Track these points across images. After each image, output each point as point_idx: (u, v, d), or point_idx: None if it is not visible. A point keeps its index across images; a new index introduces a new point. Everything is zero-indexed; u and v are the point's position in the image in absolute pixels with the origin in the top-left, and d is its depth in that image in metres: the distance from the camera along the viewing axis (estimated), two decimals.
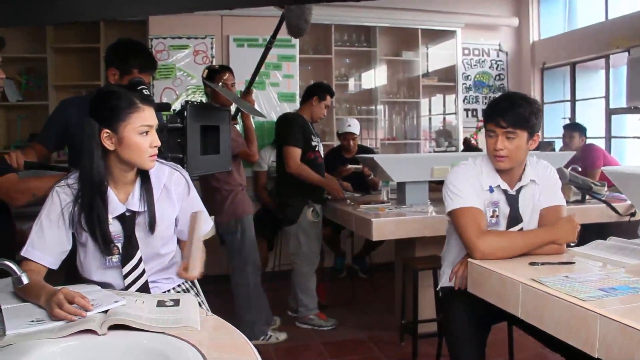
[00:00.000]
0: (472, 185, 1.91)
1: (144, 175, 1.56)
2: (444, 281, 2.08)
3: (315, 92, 3.53)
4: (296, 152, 3.36)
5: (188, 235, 1.56)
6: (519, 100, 1.86)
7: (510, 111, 1.83)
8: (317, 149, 3.50)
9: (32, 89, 4.54)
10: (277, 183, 3.66)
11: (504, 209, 1.93)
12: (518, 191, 1.94)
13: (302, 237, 3.45)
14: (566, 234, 1.80)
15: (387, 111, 5.49)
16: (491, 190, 1.92)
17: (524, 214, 1.93)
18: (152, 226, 1.54)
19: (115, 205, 1.52)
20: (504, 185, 1.93)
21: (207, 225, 1.71)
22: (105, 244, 1.50)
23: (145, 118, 1.47)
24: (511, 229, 1.91)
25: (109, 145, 1.46)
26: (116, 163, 1.50)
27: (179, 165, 1.68)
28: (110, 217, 1.51)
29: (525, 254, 1.78)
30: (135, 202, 1.53)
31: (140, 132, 1.46)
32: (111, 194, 1.51)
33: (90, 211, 1.47)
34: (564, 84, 5.33)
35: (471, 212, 1.85)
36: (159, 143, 1.51)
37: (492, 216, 1.92)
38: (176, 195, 1.60)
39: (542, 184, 1.95)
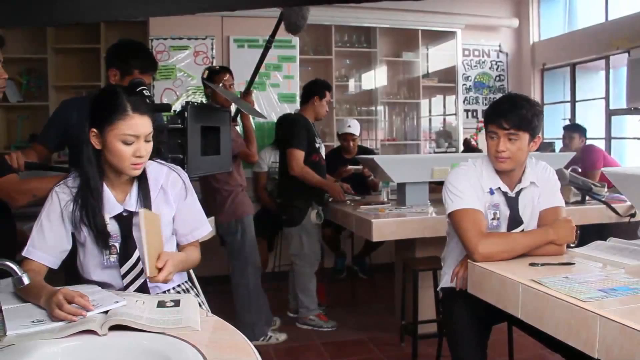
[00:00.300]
0: (472, 186, 1.91)
1: (141, 176, 1.55)
2: (444, 282, 2.08)
3: (314, 91, 3.52)
4: (300, 155, 3.36)
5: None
6: (521, 101, 1.86)
7: (513, 113, 1.83)
8: (319, 151, 3.50)
9: (32, 89, 4.55)
10: (280, 184, 3.66)
11: (504, 211, 1.93)
12: (518, 193, 1.94)
13: (305, 238, 3.46)
14: (565, 234, 1.80)
15: (387, 112, 5.49)
16: (491, 192, 1.92)
17: (523, 216, 1.93)
18: None
19: (113, 204, 1.52)
20: (504, 188, 1.93)
21: (204, 228, 1.70)
22: (101, 238, 1.50)
23: (131, 127, 1.43)
24: (512, 232, 1.92)
25: (95, 144, 1.46)
26: (107, 163, 1.50)
27: (178, 167, 1.68)
28: (107, 216, 1.51)
29: (525, 255, 1.78)
30: (132, 203, 1.53)
31: (124, 140, 1.43)
32: (108, 193, 1.52)
33: (84, 207, 1.48)
34: (564, 84, 5.34)
35: (471, 213, 1.85)
36: (143, 153, 1.46)
37: (493, 219, 1.91)
38: (173, 196, 1.60)
39: (542, 186, 1.95)
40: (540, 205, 1.94)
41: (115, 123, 1.42)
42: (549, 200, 1.93)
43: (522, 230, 1.91)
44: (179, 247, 1.68)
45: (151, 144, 1.50)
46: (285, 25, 2.71)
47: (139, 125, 1.45)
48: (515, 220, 1.92)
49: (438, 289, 2.15)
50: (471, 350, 1.84)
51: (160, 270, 1.41)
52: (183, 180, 1.63)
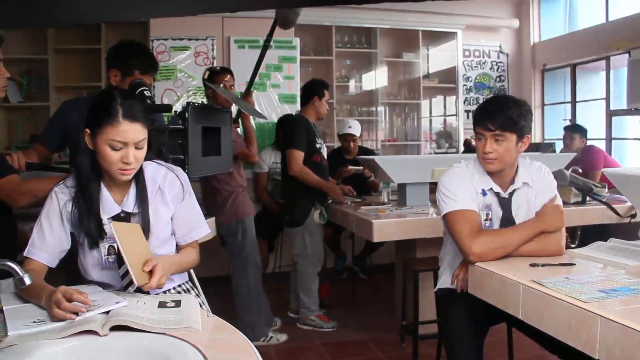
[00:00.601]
0: (465, 188, 1.90)
1: (139, 177, 1.55)
2: (441, 283, 2.08)
3: (313, 92, 3.52)
4: (299, 155, 3.36)
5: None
6: (507, 102, 1.86)
7: (499, 114, 1.83)
8: (320, 151, 3.51)
9: (33, 90, 4.55)
10: (283, 184, 3.66)
11: (497, 212, 1.93)
12: (511, 194, 1.94)
13: (308, 238, 3.46)
14: (553, 219, 1.81)
15: (387, 112, 5.49)
16: (484, 193, 1.92)
17: (517, 217, 1.93)
18: (146, 229, 1.53)
19: (111, 205, 1.52)
20: (497, 188, 1.93)
21: (202, 229, 1.69)
22: (90, 239, 1.50)
23: (119, 133, 1.41)
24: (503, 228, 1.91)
25: (89, 144, 1.46)
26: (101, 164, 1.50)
27: (177, 168, 1.67)
28: (105, 217, 1.51)
29: (525, 255, 1.78)
30: (130, 204, 1.53)
31: (111, 145, 1.42)
32: (106, 194, 1.52)
33: (78, 205, 1.49)
34: (565, 85, 5.34)
35: (465, 214, 1.84)
36: (132, 160, 1.44)
37: (485, 219, 1.91)
38: (170, 196, 1.60)
39: (537, 187, 1.95)
40: (537, 205, 1.93)
41: (104, 127, 1.41)
42: (545, 201, 1.93)
43: None
44: (178, 248, 1.68)
45: (143, 150, 1.48)
46: (277, 20, 2.72)
47: (128, 132, 1.42)
48: (507, 221, 1.92)
49: (435, 289, 2.14)
50: (468, 351, 1.84)
51: (151, 276, 1.40)
52: (181, 181, 1.62)
